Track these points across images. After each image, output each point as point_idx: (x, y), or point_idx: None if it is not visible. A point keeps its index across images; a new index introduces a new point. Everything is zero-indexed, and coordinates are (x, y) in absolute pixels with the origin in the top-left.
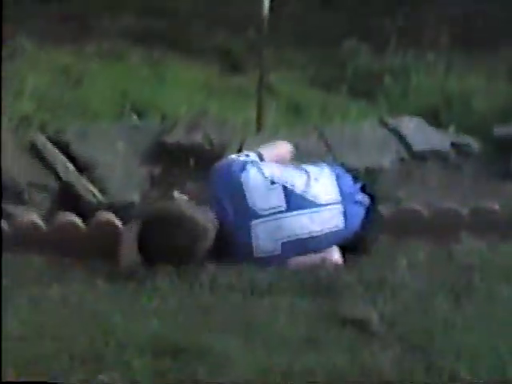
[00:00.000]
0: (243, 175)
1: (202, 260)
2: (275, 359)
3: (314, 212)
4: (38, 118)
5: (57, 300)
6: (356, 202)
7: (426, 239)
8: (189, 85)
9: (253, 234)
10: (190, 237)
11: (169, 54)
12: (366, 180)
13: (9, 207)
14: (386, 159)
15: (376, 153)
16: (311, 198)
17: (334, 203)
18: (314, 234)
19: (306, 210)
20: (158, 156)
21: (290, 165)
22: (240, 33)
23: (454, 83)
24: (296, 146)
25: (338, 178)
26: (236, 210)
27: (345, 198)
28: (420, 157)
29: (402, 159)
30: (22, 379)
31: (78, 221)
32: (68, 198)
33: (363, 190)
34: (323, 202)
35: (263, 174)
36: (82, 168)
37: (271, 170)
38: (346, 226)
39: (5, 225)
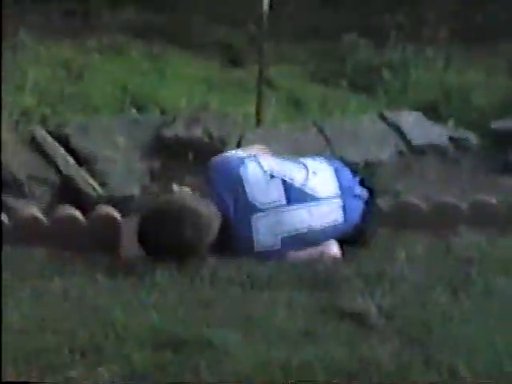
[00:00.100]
0: (242, 169)
1: (205, 253)
2: (274, 352)
3: (314, 206)
4: (38, 113)
5: (57, 293)
6: (355, 196)
7: (424, 232)
8: (189, 79)
9: (253, 228)
10: (194, 229)
11: (169, 48)
12: (365, 174)
13: (10, 200)
14: (385, 153)
15: (375, 147)
16: (310, 192)
17: (333, 197)
18: (314, 228)
19: (305, 204)
20: (158, 150)
21: (288, 159)
22: (240, 27)
23: (452, 78)
24: (296, 140)
25: (336, 171)
26: (236, 205)
27: (344, 191)
28: (419, 151)
29: (401, 153)
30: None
31: (78, 214)
32: (68, 192)
33: (362, 183)
34: (322, 196)
35: (262, 167)
36: (82, 162)
37: (270, 163)
38: (345, 220)
39: (6, 218)
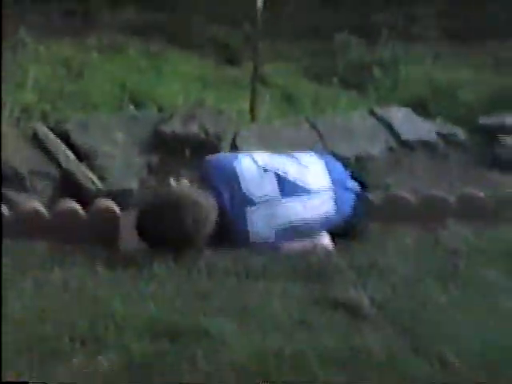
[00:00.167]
0: (237, 164)
1: (203, 245)
2: (269, 341)
3: (306, 198)
4: (39, 110)
5: (58, 285)
6: (346, 189)
7: (413, 225)
8: (185, 77)
9: (249, 221)
10: (193, 221)
11: (167, 47)
12: (356, 168)
13: (11, 194)
14: (376, 148)
15: (366, 142)
16: (303, 185)
17: (324, 189)
18: (307, 220)
19: (298, 197)
20: (156, 145)
21: (281, 153)
22: (237, 27)
23: (441, 75)
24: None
25: (327, 165)
26: (232, 198)
27: (335, 184)
28: (408, 146)
29: (391, 148)
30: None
31: (78, 207)
32: (69, 186)
33: (353, 177)
34: (314, 188)
35: (256, 162)
36: (82, 157)
37: (263, 158)
38: (336, 212)
39: (7, 211)
